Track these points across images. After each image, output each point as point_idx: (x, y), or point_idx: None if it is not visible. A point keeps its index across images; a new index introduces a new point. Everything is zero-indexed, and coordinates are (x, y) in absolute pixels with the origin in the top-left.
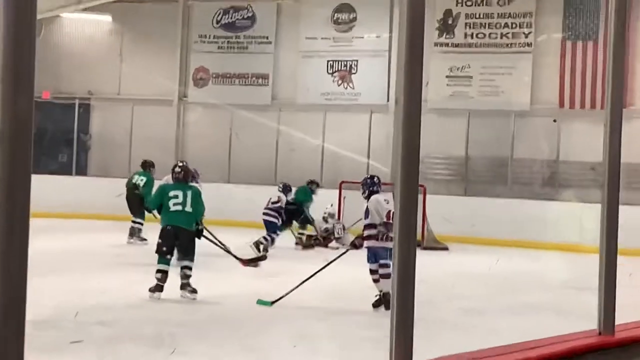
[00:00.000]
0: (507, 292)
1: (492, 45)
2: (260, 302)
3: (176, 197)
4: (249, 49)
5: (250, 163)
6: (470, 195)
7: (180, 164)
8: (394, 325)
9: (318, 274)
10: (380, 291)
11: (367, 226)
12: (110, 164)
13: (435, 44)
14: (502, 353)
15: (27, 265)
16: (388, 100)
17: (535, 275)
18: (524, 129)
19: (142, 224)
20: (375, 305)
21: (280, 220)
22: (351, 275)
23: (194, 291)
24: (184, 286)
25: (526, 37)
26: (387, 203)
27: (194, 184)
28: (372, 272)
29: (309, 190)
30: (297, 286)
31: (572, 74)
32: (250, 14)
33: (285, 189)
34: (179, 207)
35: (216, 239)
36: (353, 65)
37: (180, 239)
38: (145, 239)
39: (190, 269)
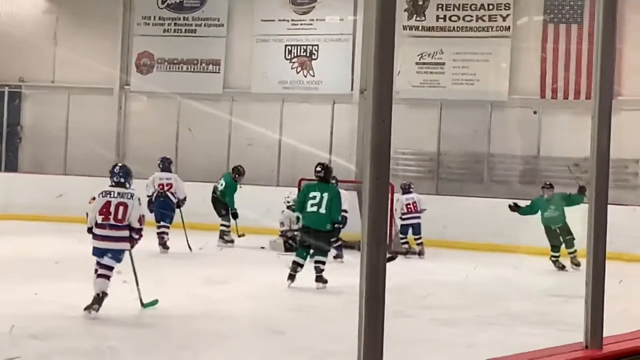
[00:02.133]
0: (484, 302)
1: (467, 29)
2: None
3: (314, 198)
4: (198, 32)
5: (200, 158)
6: (443, 194)
7: (322, 163)
8: (362, 338)
9: (275, 281)
10: None
11: None
12: (44, 159)
13: (404, 28)
14: None
15: None
16: (352, 90)
17: (515, 282)
18: (502, 121)
19: (228, 226)
20: None
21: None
22: (310, 282)
23: (326, 281)
24: (318, 279)
25: (504, 20)
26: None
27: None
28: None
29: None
30: None
31: (554, 61)
32: None
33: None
34: (315, 209)
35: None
36: (313, 51)
37: (315, 239)
38: (233, 240)
39: (323, 263)
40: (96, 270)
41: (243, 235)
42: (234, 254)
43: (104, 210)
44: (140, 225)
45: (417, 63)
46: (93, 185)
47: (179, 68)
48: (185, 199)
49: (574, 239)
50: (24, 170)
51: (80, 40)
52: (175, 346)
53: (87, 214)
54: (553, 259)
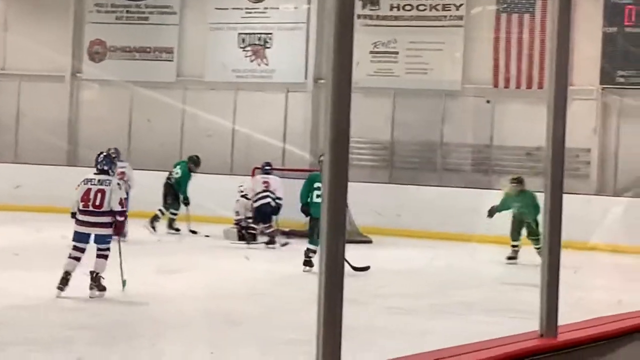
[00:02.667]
0: (438, 290)
1: (421, 18)
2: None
3: (319, 188)
4: (151, 20)
5: (154, 146)
6: (396, 182)
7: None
8: (321, 326)
9: (230, 270)
10: None
11: None
12: None
13: (358, 17)
14: (435, 358)
15: None
16: (306, 78)
17: (469, 271)
18: (455, 110)
19: (176, 214)
20: None
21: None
22: (266, 272)
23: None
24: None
25: (457, 9)
26: None
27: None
28: None
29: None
30: None
31: (507, 51)
32: None
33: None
34: (320, 200)
35: None
36: (267, 39)
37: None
38: (179, 229)
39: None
40: (70, 254)
41: (196, 233)
42: (189, 243)
43: (85, 197)
44: (122, 207)
45: (371, 52)
46: (46, 173)
47: (131, 56)
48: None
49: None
50: None
51: (31, 27)
52: (131, 335)
53: (76, 201)
54: (515, 248)
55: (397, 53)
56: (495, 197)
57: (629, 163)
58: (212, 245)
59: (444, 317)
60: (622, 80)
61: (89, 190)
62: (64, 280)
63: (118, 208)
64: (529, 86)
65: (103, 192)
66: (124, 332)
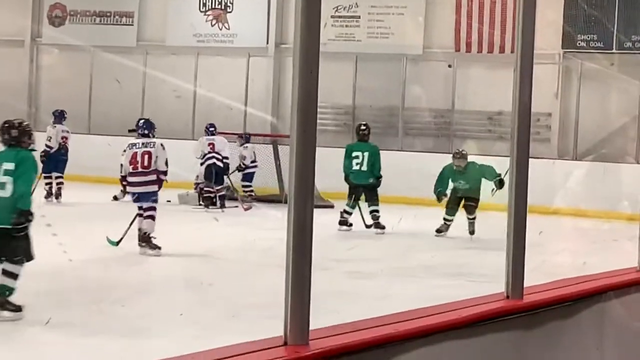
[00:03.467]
0: (400, 255)
1: None
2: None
3: (357, 157)
4: None
5: (113, 112)
6: None
7: (366, 123)
8: (289, 291)
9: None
10: None
11: None
12: None
13: None
14: (399, 320)
15: None
16: (267, 43)
17: (431, 235)
18: (417, 75)
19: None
20: None
21: None
22: (230, 235)
23: (383, 227)
24: (377, 225)
25: None
26: None
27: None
28: None
29: None
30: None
31: (468, 14)
32: None
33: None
34: (358, 167)
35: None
36: (229, 3)
37: (364, 193)
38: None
39: (377, 211)
40: (141, 215)
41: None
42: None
43: (133, 160)
44: (167, 167)
45: (332, 16)
46: None
47: (91, 20)
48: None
49: (476, 206)
50: None
51: None
52: (91, 300)
53: (121, 165)
54: (448, 222)
55: (358, 17)
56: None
57: (589, 127)
58: (174, 210)
59: (405, 281)
60: (583, 44)
61: (135, 153)
62: (148, 239)
63: (163, 168)
64: (491, 50)
65: (149, 153)
66: (83, 297)
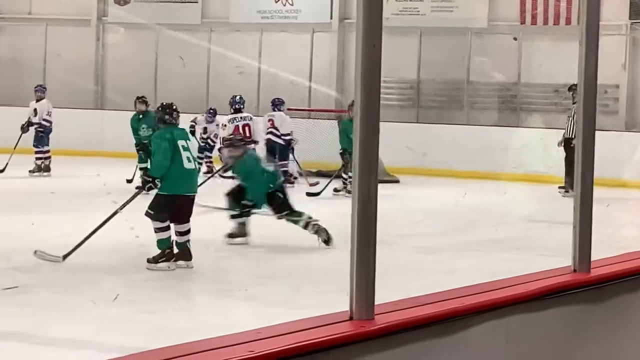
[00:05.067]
0: (465, 229)
1: None
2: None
3: None
4: None
5: (179, 89)
6: (423, 122)
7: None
8: (354, 265)
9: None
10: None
11: None
12: (22, 92)
13: None
14: (465, 295)
15: None
16: (331, 19)
17: (497, 209)
18: (482, 48)
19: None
20: None
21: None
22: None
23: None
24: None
25: None
26: None
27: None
28: None
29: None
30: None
31: None
32: None
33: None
34: None
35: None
36: None
37: None
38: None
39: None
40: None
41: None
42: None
43: (236, 132)
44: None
45: None
46: (75, 116)
47: None
48: None
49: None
50: (2, 103)
51: None
52: (156, 276)
53: (222, 138)
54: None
55: None
56: (523, 135)
57: None
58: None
59: (470, 256)
60: None
61: (237, 127)
62: None
63: (258, 138)
64: (556, 22)
65: (249, 125)
66: (154, 272)
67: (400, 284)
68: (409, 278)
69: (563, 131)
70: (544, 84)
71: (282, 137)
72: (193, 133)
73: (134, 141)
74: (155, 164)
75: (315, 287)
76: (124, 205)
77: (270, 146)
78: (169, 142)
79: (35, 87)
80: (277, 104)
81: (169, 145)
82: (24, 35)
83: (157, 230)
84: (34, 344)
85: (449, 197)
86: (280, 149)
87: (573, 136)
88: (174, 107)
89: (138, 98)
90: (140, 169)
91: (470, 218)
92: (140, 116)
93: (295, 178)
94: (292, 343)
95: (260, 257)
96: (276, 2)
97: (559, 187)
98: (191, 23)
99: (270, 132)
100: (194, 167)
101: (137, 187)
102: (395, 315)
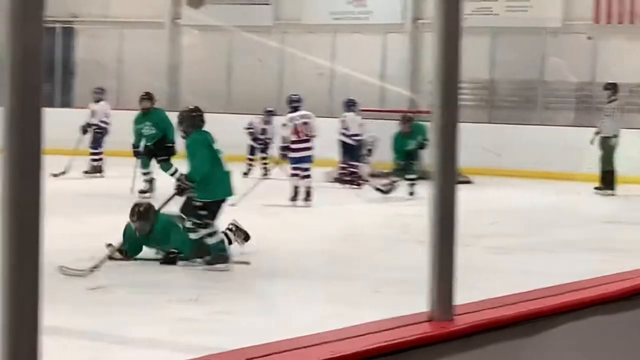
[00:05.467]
0: (540, 230)
1: None
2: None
3: None
4: None
5: (251, 91)
6: (496, 122)
7: None
8: (435, 265)
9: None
10: None
11: None
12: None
13: None
14: (545, 296)
15: (41, 202)
16: (404, 19)
17: (572, 210)
18: (556, 47)
19: None
20: None
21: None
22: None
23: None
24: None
25: None
26: None
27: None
28: None
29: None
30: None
31: None
32: None
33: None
34: None
35: None
36: None
37: None
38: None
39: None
40: (297, 175)
41: None
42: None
43: (295, 130)
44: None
45: None
46: None
47: (229, 0)
48: None
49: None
50: (77, 106)
51: None
52: (234, 276)
53: (283, 137)
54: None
55: None
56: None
57: None
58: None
59: (546, 256)
60: None
61: (296, 125)
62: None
63: (315, 134)
64: (632, 21)
65: (308, 124)
66: (233, 273)
67: (475, 285)
68: (483, 279)
69: (596, 129)
70: (620, 83)
71: (353, 137)
72: (251, 135)
73: (135, 143)
74: (195, 169)
75: (393, 288)
76: (159, 210)
77: (342, 147)
78: (207, 146)
79: (94, 89)
80: (349, 105)
81: (208, 150)
82: (99, 38)
83: (210, 235)
84: (112, 343)
85: (522, 198)
86: (351, 150)
87: (610, 134)
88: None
89: (143, 95)
90: (144, 173)
91: (545, 218)
92: (145, 113)
93: (365, 180)
94: (373, 344)
95: (338, 257)
96: (348, 3)
97: (595, 188)
98: (263, 25)
99: (342, 133)
100: (229, 170)
101: (175, 193)
102: (476, 316)
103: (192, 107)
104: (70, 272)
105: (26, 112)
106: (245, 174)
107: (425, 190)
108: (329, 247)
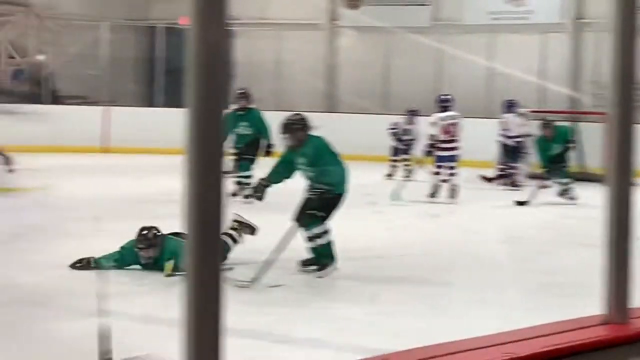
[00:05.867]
0: None
1: None
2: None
3: None
4: None
5: (409, 92)
6: None
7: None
8: (611, 268)
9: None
10: None
11: None
12: (257, 95)
13: None
14: None
15: (223, 200)
16: (564, 19)
17: None
18: None
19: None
20: None
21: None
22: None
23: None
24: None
25: None
26: None
27: None
28: None
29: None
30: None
31: None
32: None
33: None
34: None
35: None
36: None
37: None
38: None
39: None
40: (439, 173)
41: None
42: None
43: (444, 130)
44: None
45: None
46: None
47: (388, 1)
48: None
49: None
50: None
51: None
52: (390, 278)
53: (430, 135)
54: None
55: None
56: None
57: None
58: (472, 188)
59: None
60: None
61: (445, 125)
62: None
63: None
64: None
65: (456, 124)
66: (387, 273)
67: None
68: None
69: None
70: None
71: (512, 138)
72: (395, 135)
73: (235, 143)
74: (335, 172)
75: (559, 290)
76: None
77: (502, 148)
78: (330, 146)
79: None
80: (508, 106)
81: (332, 149)
82: (257, 39)
83: (323, 234)
84: (273, 342)
85: None
86: (511, 151)
87: None
88: None
89: (239, 92)
90: (239, 177)
91: None
92: (241, 112)
93: (521, 183)
94: (547, 346)
95: (495, 259)
96: (506, 2)
97: None
98: (421, 25)
99: (502, 135)
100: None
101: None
102: None
103: (296, 113)
104: (240, 284)
105: (209, 113)
106: (389, 175)
107: (578, 193)
108: (489, 248)
